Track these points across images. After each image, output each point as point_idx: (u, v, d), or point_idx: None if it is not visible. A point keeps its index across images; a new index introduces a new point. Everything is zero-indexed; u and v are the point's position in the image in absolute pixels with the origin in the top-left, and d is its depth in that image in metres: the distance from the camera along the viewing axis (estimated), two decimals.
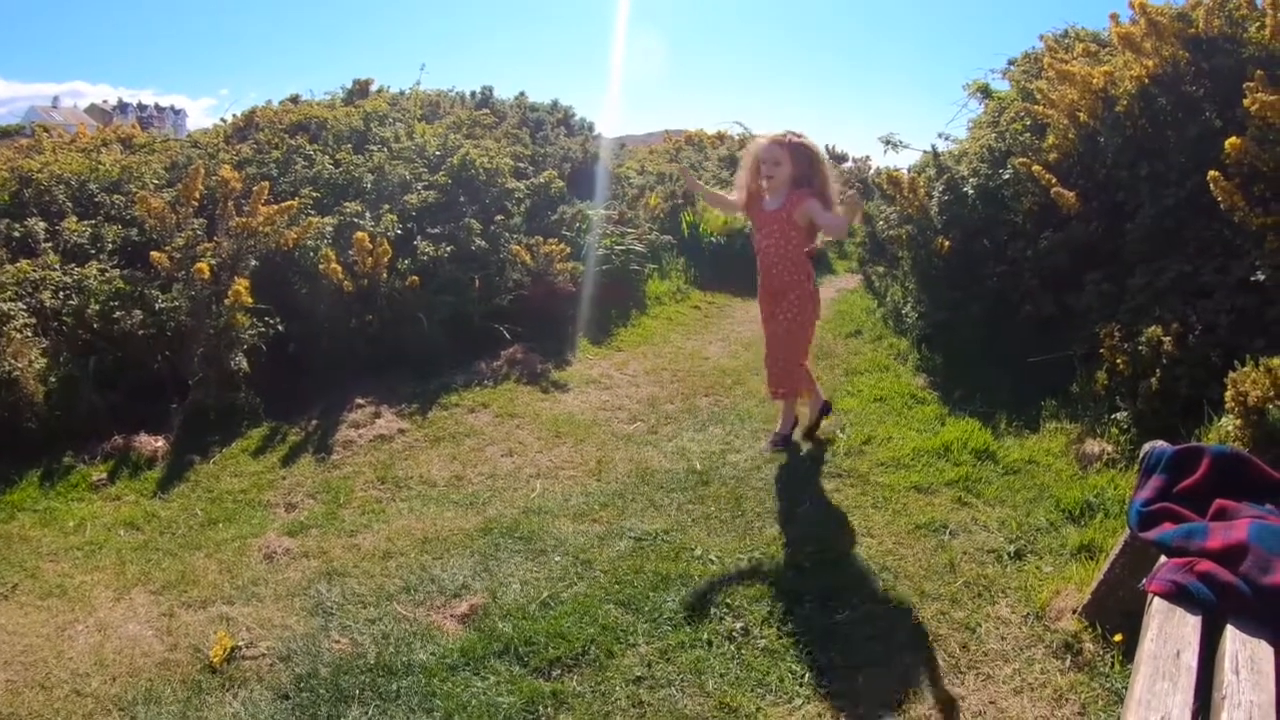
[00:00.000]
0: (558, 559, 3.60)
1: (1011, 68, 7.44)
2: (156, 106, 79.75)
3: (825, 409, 4.89)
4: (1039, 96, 5.95)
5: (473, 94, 11.59)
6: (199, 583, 3.52)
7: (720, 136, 18.07)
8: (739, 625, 3.09)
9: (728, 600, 3.24)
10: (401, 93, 10.74)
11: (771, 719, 2.64)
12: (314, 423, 5.25)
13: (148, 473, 4.66)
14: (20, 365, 4.78)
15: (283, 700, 2.79)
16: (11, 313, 4.93)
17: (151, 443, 4.86)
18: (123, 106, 75.40)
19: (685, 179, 5.20)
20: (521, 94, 11.82)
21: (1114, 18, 5.75)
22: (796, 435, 4.88)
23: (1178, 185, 4.78)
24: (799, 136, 4.33)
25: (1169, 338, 4.18)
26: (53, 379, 4.94)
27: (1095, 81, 5.31)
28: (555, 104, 12.00)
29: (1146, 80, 5.12)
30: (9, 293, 5.10)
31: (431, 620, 3.19)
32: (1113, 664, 2.76)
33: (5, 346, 4.79)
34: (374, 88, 10.86)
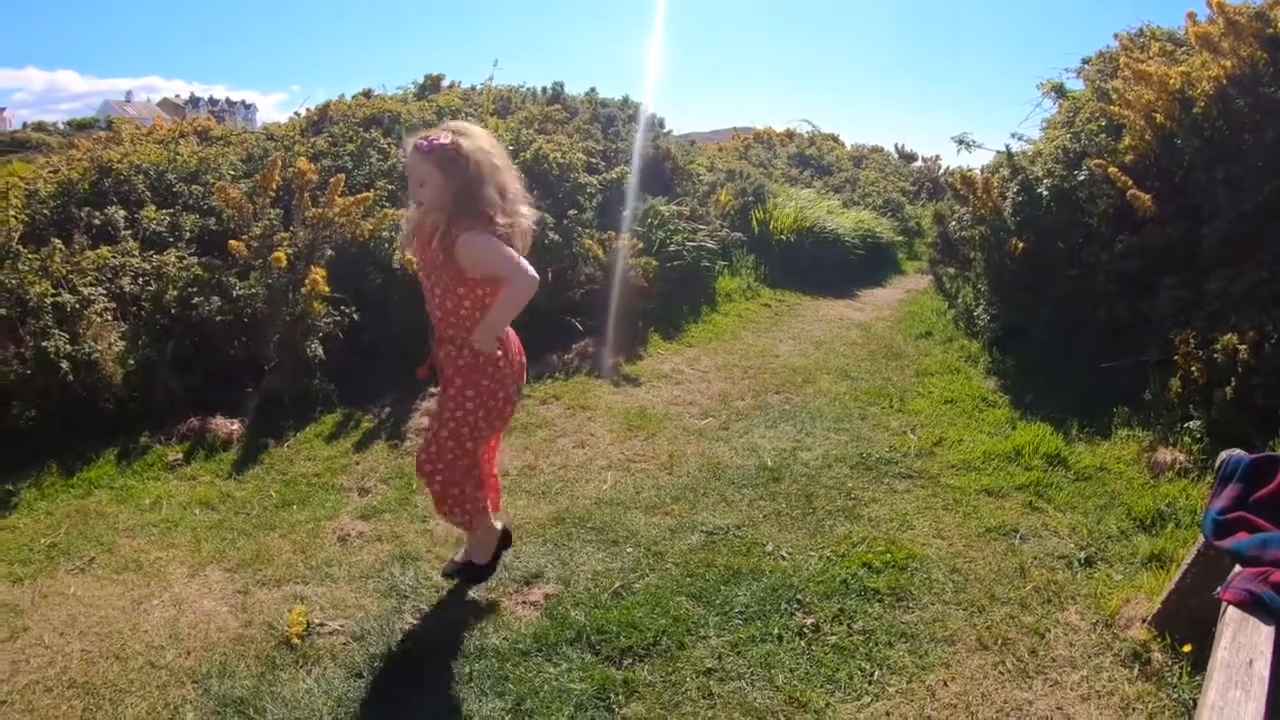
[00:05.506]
0: (629, 550, 3.65)
1: (1086, 67, 7.35)
2: (228, 101, 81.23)
3: (497, 555, 3.35)
4: (1114, 97, 5.87)
5: (544, 90, 11.59)
6: (273, 562, 3.60)
7: (790, 134, 18.08)
8: (809, 621, 3.11)
9: (798, 596, 3.27)
10: (473, 88, 10.77)
11: (840, 716, 2.66)
12: (386, 410, 5.34)
13: (223, 454, 4.77)
14: (100, 348, 4.93)
15: (356, 678, 2.86)
16: (92, 297, 5.09)
17: (227, 425, 4.98)
18: (195, 101, 77.01)
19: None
20: (592, 90, 11.77)
21: (1191, 16, 5.67)
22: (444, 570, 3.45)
23: (1255, 189, 4.71)
24: (454, 136, 2.81)
25: (1245, 346, 4.12)
26: (131, 361, 5.06)
27: (1172, 82, 5.23)
28: (626, 100, 11.90)
29: (1224, 81, 5.04)
30: (90, 278, 5.25)
31: (505, 606, 3.24)
32: (1181, 674, 2.75)
33: (86, 329, 4.96)
34: (445, 83, 10.95)
